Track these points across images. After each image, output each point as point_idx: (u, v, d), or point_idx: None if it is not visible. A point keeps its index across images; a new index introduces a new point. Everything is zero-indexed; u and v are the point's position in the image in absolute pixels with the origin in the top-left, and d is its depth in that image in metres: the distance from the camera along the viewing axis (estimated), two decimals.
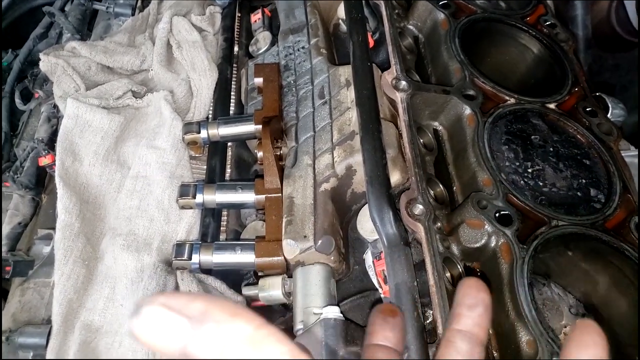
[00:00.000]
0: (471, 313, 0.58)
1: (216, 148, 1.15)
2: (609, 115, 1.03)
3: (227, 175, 1.14)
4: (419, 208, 0.80)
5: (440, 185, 0.89)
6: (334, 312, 0.79)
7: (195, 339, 0.35)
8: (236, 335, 0.35)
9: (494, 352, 0.76)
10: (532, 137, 0.93)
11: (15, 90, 1.43)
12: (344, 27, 1.27)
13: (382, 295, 0.86)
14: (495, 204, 0.82)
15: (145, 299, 0.36)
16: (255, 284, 0.93)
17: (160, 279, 0.95)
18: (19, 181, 1.22)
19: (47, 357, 0.90)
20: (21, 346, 0.95)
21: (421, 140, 0.94)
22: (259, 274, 0.95)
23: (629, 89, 1.61)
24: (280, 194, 0.97)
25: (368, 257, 0.90)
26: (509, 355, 0.74)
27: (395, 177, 0.91)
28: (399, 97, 0.94)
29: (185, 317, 0.35)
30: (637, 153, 1.00)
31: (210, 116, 1.23)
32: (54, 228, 1.04)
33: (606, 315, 0.86)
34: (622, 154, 0.94)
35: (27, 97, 1.44)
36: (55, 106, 1.29)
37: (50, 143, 1.24)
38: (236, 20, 1.39)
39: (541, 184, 0.88)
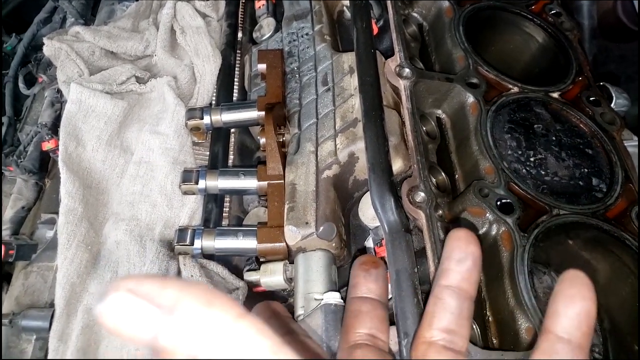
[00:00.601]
0: (459, 268, 0.56)
1: (219, 134, 1.14)
2: (612, 105, 1.03)
3: (230, 161, 1.14)
4: (420, 195, 0.80)
5: (442, 173, 0.89)
6: (334, 298, 0.80)
7: (167, 330, 0.31)
8: (211, 327, 0.31)
9: (493, 339, 0.77)
10: (535, 126, 0.93)
11: (19, 75, 1.44)
12: (348, 13, 1.27)
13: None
14: (497, 192, 0.82)
15: (113, 283, 0.32)
16: (257, 269, 0.94)
17: (162, 264, 0.96)
18: (22, 165, 1.22)
19: (50, 340, 0.91)
20: (24, 329, 0.96)
21: (424, 128, 0.94)
22: (261, 259, 0.95)
23: (635, 80, 1.60)
24: (282, 181, 0.97)
25: (369, 244, 0.90)
26: (508, 342, 0.75)
27: (397, 165, 0.91)
28: (402, 84, 0.93)
29: (156, 305, 0.31)
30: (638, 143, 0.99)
31: (213, 102, 1.23)
32: (57, 212, 1.04)
33: (605, 304, 0.86)
34: (625, 144, 0.94)
35: (30, 81, 1.44)
36: (58, 91, 1.29)
37: (54, 128, 1.25)
38: (240, 6, 1.39)
39: (543, 172, 0.88)
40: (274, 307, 0.75)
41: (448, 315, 0.56)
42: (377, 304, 0.64)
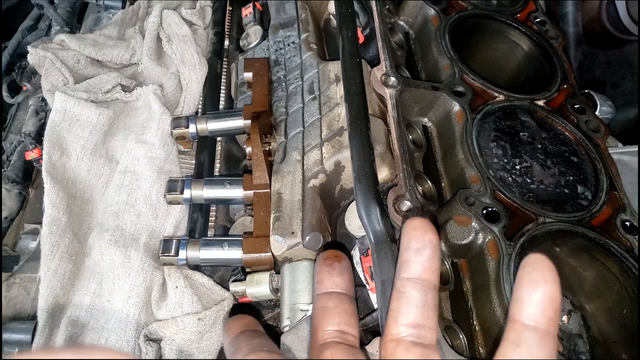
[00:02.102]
0: (419, 258, 0.54)
1: (205, 143, 1.14)
2: (597, 113, 1.03)
3: (216, 170, 1.14)
4: (406, 204, 0.80)
5: (429, 182, 0.89)
6: None
7: None
8: None
9: (480, 349, 0.77)
10: (521, 134, 0.93)
11: (2, 83, 1.42)
12: (334, 22, 1.27)
13: (369, 292, 0.86)
14: (483, 200, 0.82)
15: None
16: (243, 280, 0.93)
17: (147, 275, 0.94)
18: (5, 175, 1.21)
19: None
20: (6, 342, 0.94)
21: (410, 137, 0.93)
22: (247, 269, 0.95)
23: (620, 86, 1.62)
24: (268, 190, 0.96)
25: (356, 254, 0.90)
26: (495, 351, 0.74)
27: (383, 174, 0.91)
28: (388, 93, 0.93)
29: None
30: (625, 150, 1.00)
31: (199, 111, 1.22)
32: (40, 223, 1.03)
33: (593, 312, 0.86)
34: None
35: (15, 90, 1.43)
36: (43, 99, 1.28)
37: (38, 137, 1.23)
38: (227, 14, 1.38)
39: (529, 180, 0.88)
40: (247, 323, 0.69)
41: (413, 309, 0.54)
42: (344, 298, 0.61)
